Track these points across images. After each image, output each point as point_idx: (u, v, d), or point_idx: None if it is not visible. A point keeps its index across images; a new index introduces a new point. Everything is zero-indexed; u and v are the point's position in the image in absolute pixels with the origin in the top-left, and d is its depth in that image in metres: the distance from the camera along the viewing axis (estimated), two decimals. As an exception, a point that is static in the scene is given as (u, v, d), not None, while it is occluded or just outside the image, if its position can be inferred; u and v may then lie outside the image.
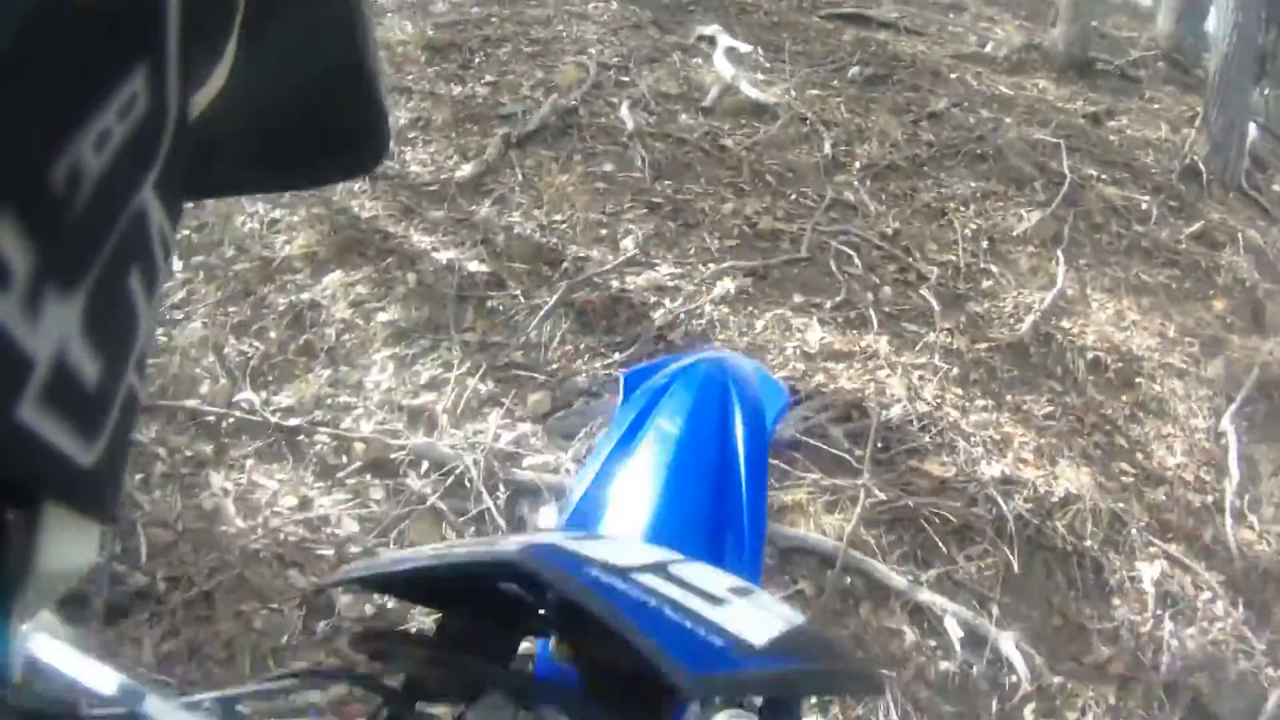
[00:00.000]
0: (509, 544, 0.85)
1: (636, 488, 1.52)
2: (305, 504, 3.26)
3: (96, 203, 0.39)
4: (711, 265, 4.64)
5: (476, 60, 6.60)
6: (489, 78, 6.28)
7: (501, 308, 4.10)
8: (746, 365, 1.90)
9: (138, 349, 0.46)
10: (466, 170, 5.07)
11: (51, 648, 0.80)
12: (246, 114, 0.58)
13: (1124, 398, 4.78)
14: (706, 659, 0.73)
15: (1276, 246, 7.15)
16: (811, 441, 3.78)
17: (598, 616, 0.73)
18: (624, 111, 5.86)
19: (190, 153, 0.48)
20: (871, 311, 4.66)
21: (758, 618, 0.83)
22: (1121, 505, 4.01)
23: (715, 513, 1.52)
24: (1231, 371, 5.22)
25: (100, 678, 0.77)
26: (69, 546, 0.43)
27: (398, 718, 0.86)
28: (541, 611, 0.96)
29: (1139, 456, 4.44)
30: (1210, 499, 4.35)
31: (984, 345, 4.71)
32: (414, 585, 1.12)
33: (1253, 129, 8.96)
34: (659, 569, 0.85)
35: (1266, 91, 13.41)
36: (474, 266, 4.26)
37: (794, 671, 0.85)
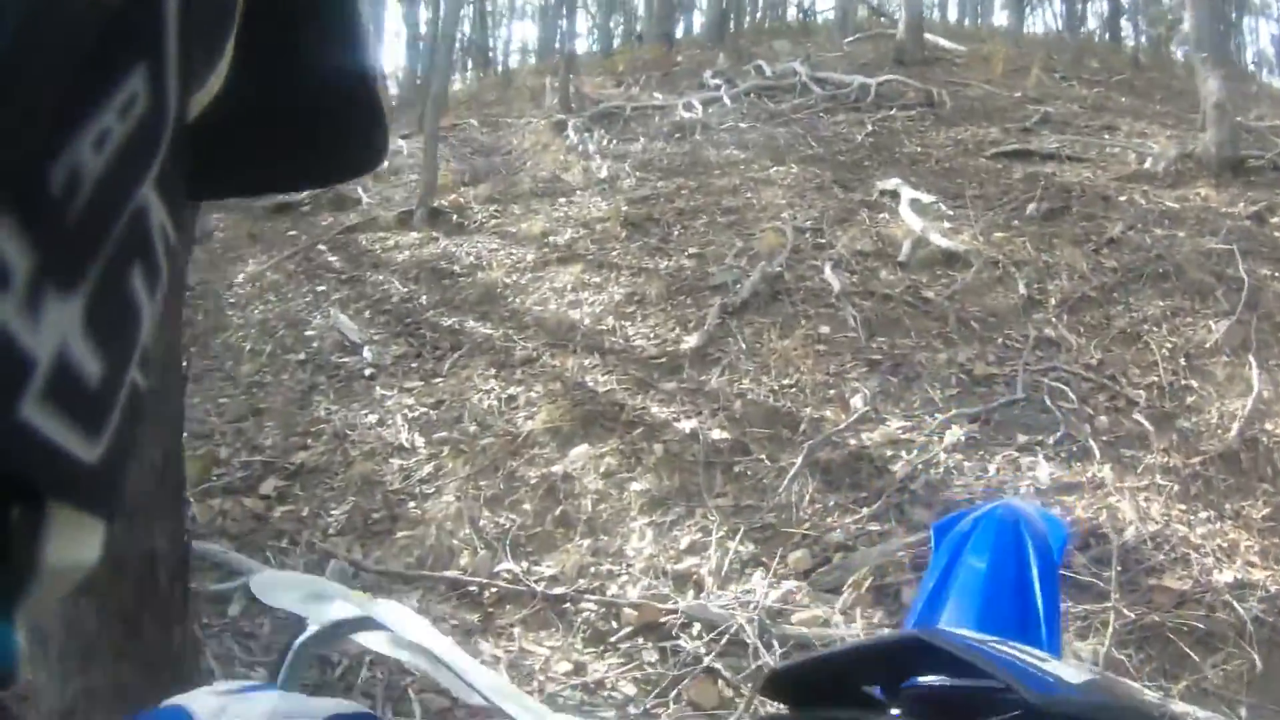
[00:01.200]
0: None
1: (953, 619, 1.79)
2: (579, 669, 3.42)
3: (96, 202, 0.40)
4: (938, 415, 4.82)
5: (675, 232, 7.04)
6: (692, 249, 6.68)
7: (749, 472, 4.30)
8: (1030, 506, 2.19)
9: (141, 347, 0.48)
10: (691, 341, 5.39)
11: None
12: (247, 114, 0.60)
13: None
14: (1045, 689, 0.91)
15: None
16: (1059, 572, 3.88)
17: (960, 656, 0.91)
18: (828, 273, 6.15)
19: (191, 152, 0.50)
20: (1091, 442, 4.78)
21: (1073, 673, 1.05)
22: None
23: (1019, 632, 1.77)
24: None
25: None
26: (73, 545, 0.44)
27: None
28: (895, 711, 1.08)
29: None
30: None
31: (1197, 459, 4.77)
32: (800, 689, 1.18)
33: None
34: (1006, 643, 1.08)
35: None
36: (716, 434, 4.49)
37: (1104, 706, 1.02)
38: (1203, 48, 11.60)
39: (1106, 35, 28.37)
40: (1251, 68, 35.34)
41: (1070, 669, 1.11)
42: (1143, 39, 26.78)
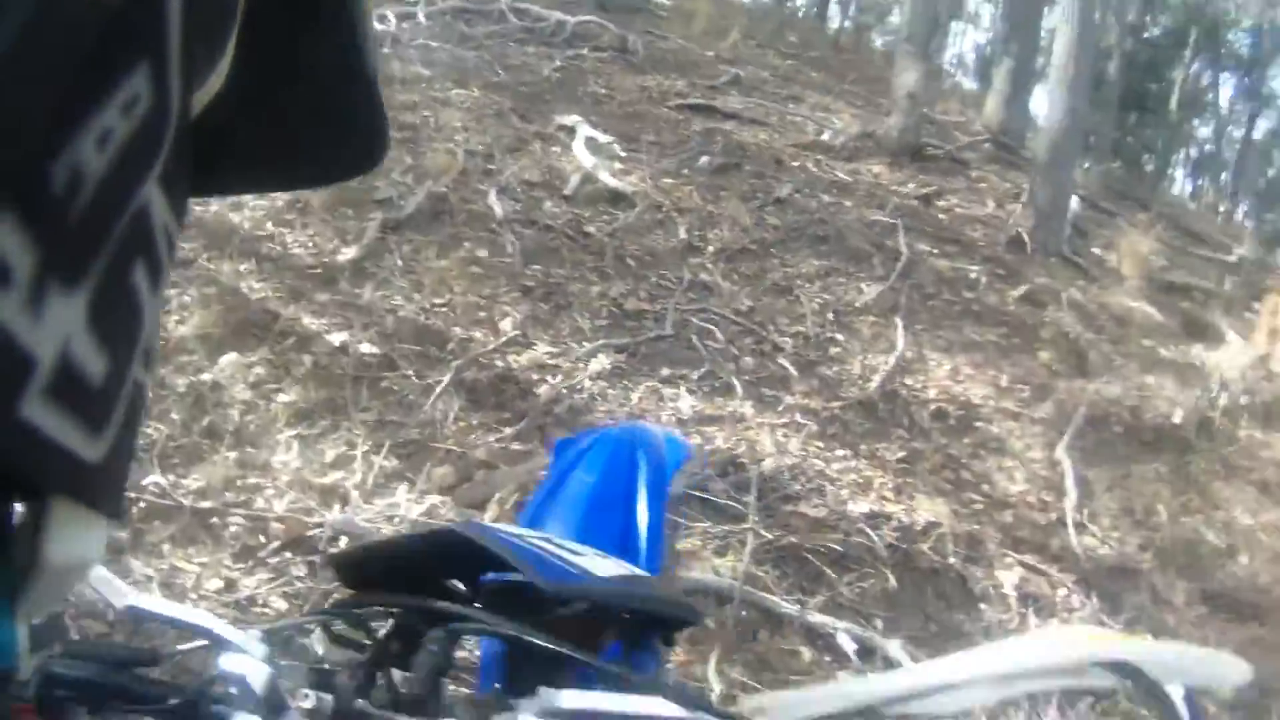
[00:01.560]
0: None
1: (556, 528, 1.93)
2: (230, 585, 3.40)
3: (99, 200, 0.41)
4: (585, 344, 5.02)
5: None
6: None
7: (396, 388, 4.35)
8: (654, 430, 2.35)
9: (143, 343, 0.48)
10: (349, 254, 5.35)
11: (148, 598, 0.94)
12: (248, 113, 0.62)
13: (966, 440, 5.36)
14: (564, 578, 1.07)
15: (1096, 302, 7.94)
16: (698, 494, 4.16)
17: (493, 551, 1.03)
18: (492, 198, 6.24)
19: (193, 150, 0.51)
20: (734, 379, 5.14)
21: (611, 567, 1.19)
22: (976, 527, 4.55)
23: (621, 543, 1.92)
24: (1061, 410, 5.87)
25: (190, 616, 0.92)
26: (76, 541, 0.45)
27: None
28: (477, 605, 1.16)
29: (985, 487, 5.00)
30: (1054, 516, 4.92)
31: (837, 404, 5.23)
32: (368, 580, 1.24)
33: (1074, 201, 9.90)
34: (550, 540, 1.20)
35: (1088, 166, 14.73)
36: (366, 349, 4.50)
37: (625, 592, 1.17)
38: (912, 41, 12.36)
39: (815, 13, 29.70)
40: (949, 68, 38.11)
41: (609, 565, 1.22)
42: (848, 24, 28.26)
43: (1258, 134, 40.73)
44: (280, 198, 5.80)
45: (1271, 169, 40.13)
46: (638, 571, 1.29)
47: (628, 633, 1.23)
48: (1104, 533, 4.92)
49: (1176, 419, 6.50)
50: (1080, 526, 4.91)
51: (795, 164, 9.06)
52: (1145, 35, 25.24)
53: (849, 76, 15.00)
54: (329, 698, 0.94)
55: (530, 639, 1.00)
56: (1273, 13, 31.11)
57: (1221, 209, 37.43)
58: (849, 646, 3.62)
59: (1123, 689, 0.96)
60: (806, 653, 3.60)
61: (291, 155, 0.72)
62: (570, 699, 0.88)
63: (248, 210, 5.61)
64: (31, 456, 0.39)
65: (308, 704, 0.94)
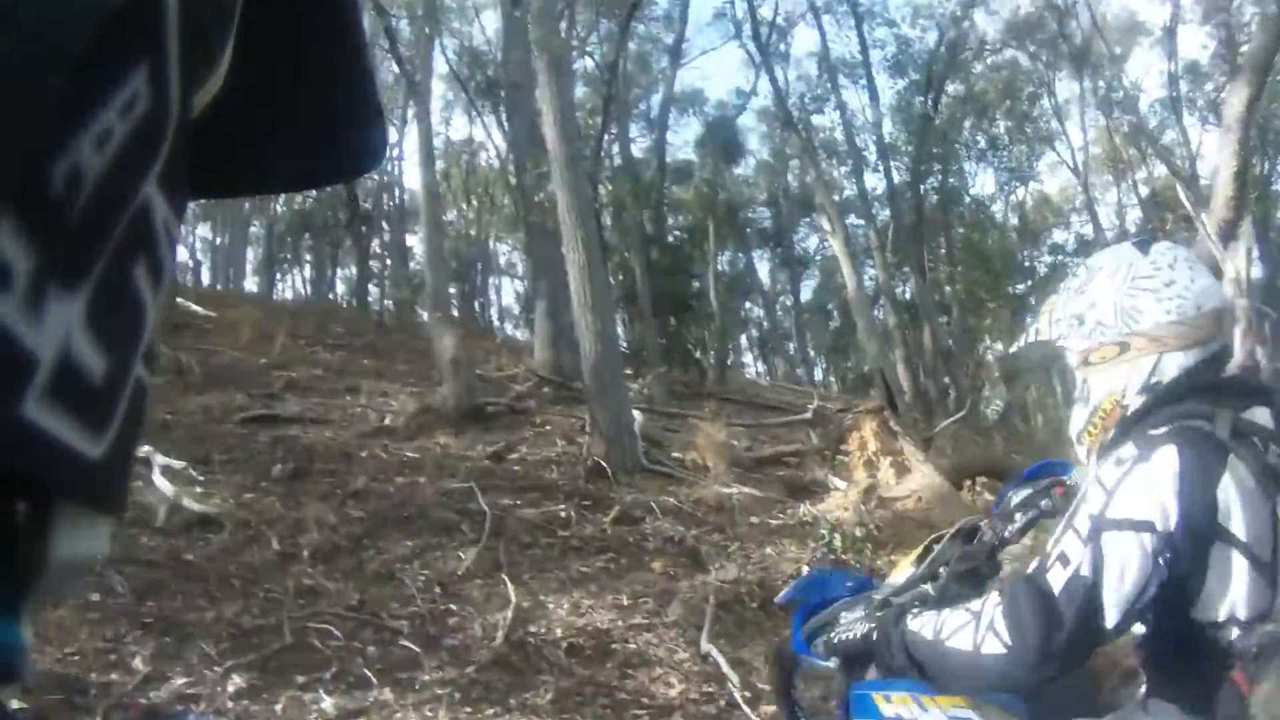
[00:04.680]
0: None
1: None
2: None
3: (98, 200, 0.43)
4: (216, 668, 5.22)
5: None
6: None
7: None
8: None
9: (145, 341, 0.50)
10: None
11: None
12: (247, 113, 0.64)
13: (609, 664, 5.93)
14: None
15: (691, 500, 8.92)
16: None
17: None
18: (86, 542, 6.28)
19: (193, 150, 0.53)
20: (366, 671, 5.45)
21: None
22: None
23: None
24: (691, 608, 6.62)
25: None
26: (79, 539, 0.46)
27: None
28: None
29: (646, 700, 5.59)
30: (722, 702, 5.56)
31: (471, 668, 5.66)
32: None
33: (638, 415, 10.79)
34: None
35: (648, 379, 15.82)
36: (15, 705, 4.53)
37: None
38: (439, 307, 13.13)
39: (354, 301, 30.36)
40: (496, 323, 39.73)
41: None
42: (388, 303, 29.09)
43: (805, 295, 44.67)
44: None
45: (833, 322, 44.00)
46: None
47: None
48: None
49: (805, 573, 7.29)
50: (752, 702, 5.52)
51: (364, 454, 9.55)
52: (669, 240, 27.29)
53: (399, 356, 15.71)
54: None
55: None
56: (782, 180, 35.08)
57: (799, 373, 40.72)
58: None
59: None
60: None
61: (291, 156, 0.74)
62: None
63: None
64: (34, 456, 0.40)
65: None
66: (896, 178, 30.96)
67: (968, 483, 11.24)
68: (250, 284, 38.54)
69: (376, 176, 36.68)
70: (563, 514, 8.33)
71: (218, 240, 42.68)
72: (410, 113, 30.04)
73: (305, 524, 7.37)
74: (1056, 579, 1.94)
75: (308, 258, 40.08)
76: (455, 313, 16.81)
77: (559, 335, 14.84)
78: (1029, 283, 34.85)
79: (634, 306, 22.12)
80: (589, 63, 25.27)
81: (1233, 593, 1.90)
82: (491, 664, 5.77)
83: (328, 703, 5.13)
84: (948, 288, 33.00)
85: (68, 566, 0.46)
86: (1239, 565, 1.89)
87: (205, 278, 39.44)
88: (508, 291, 47.96)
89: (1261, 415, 2.03)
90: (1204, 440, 1.93)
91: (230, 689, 5.11)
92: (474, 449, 10.21)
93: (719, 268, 30.82)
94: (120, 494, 0.50)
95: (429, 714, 5.15)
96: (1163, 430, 1.98)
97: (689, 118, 36.64)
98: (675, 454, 10.82)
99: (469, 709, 5.28)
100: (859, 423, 11.01)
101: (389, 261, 32.31)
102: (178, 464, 8.01)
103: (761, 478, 10.35)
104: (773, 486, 10.05)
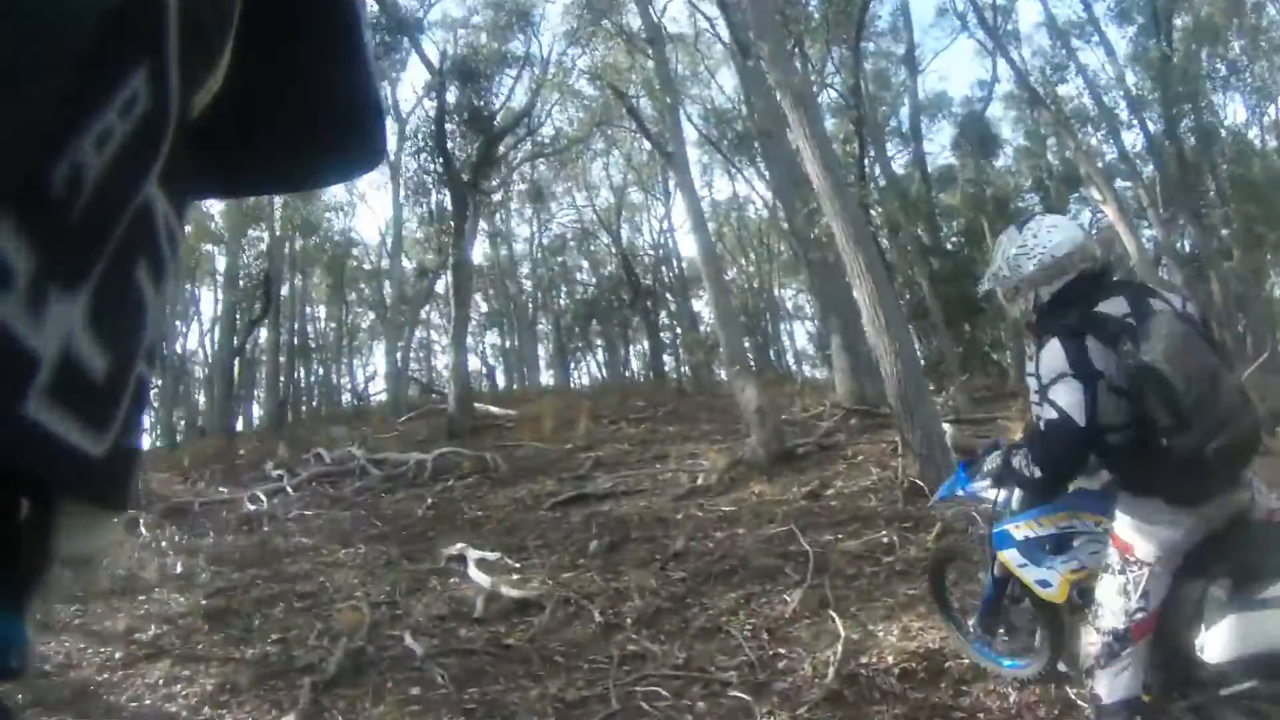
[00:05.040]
0: None
1: None
2: None
3: (99, 200, 0.42)
4: None
5: (256, 621, 7.22)
6: (274, 634, 6.86)
7: None
8: None
9: (147, 340, 0.50)
10: None
11: None
12: (247, 114, 0.64)
13: (942, 684, 5.52)
14: None
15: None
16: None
17: None
18: (408, 640, 6.45)
19: (194, 149, 0.52)
20: None
21: None
22: None
23: None
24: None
25: None
26: (83, 537, 0.46)
27: None
28: None
29: (981, 715, 5.19)
30: (1057, 710, 5.01)
31: (804, 709, 5.36)
32: None
33: (948, 429, 10.38)
34: None
35: (951, 390, 15.39)
36: None
37: None
38: (735, 361, 13.15)
39: (650, 373, 31.19)
40: (793, 367, 39.98)
41: None
42: (684, 369, 29.79)
43: None
44: (209, 682, 6.02)
45: None
46: None
47: None
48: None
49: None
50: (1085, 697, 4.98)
51: (680, 516, 9.52)
52: (947, 247, 26.97)
53: (701, 418, 15.76)
54: None
55: None
56: (1042, 160, 33.94)
57: None
58: None
59: None
60: None
61: (291, 156, 0.75)
62: None
63: (180, 699, 5.80)
64: (36, 454, 0.40)
65: None
66: (1152, 128, 29.43)
67: (1277, 429, 10.30)
68: (546, 378, 40.06)
69: (651, 251, 37.75)
70: (885, 540, 7.97)
71: (507, 344, 44.73)
72: (671, 184, 30.98)
73: (626, 593, 7.32)
74: (1043, 424, 3.56)
75: (598, 343, 41.35)
76: (752, 364, 16.82)
77: (858, 364, 14.74)
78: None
79: (925, 320, 21.90)
80: (831, 94, 25.13)
81: (1108, 410, 3.48)
82: (823, 701, 5.46)
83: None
84: (1224, 230, 30.83)
85: (70, 564, 0.46)
86: (1104, 388, 3.47)
87: (500, 380, 41.28)
88: (800, 334, 48.37)
89: (1118, 304, 3.60)
90: (1067, 331, 3.54)
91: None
92: (789, 492, 10.05)
93: None
94: (122, 492, 0.49)
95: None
96: (1051, 330, 3.62)
97: (939, 122, 36.64)
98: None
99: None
100: None
101: (678, 330, 32.98)
102: (492, 555, 8.15)
103: None
104: None
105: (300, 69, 0.68)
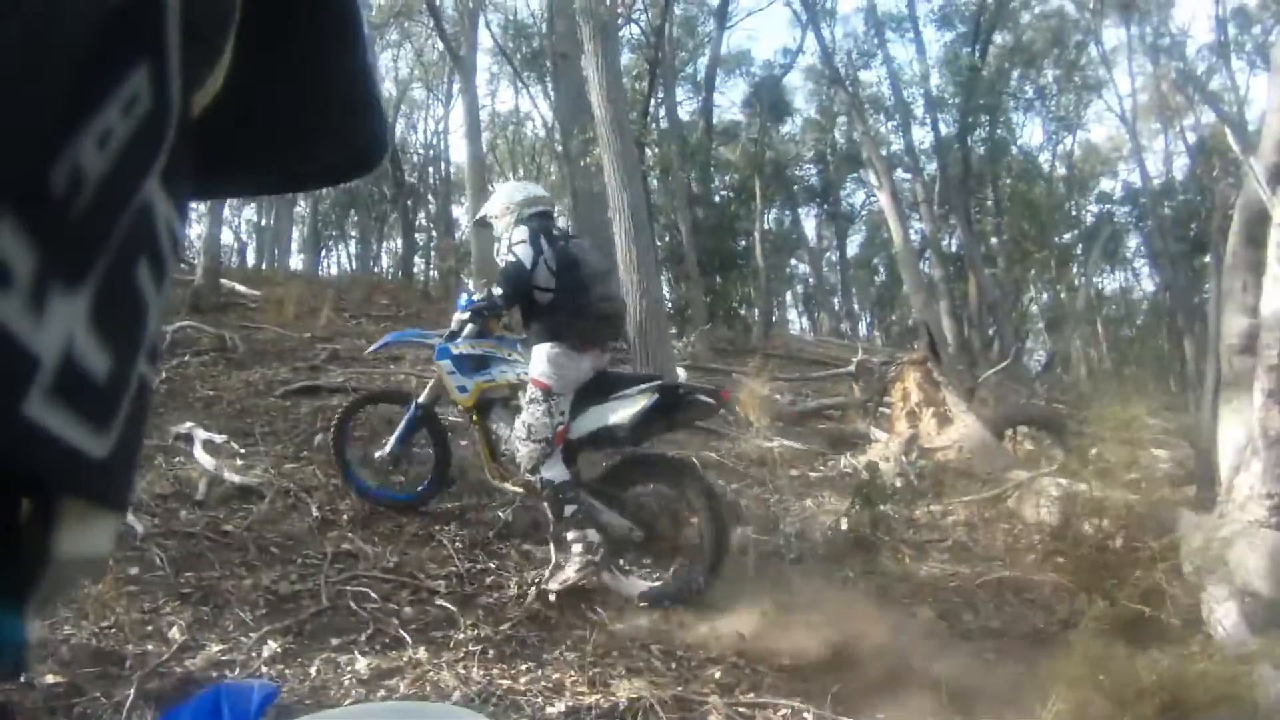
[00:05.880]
0: None
1: None
2: None
3: (100, 200, 0.43)
4: (252, 634, 5.35)
5: None
6: None
7: (88, 711, 4.52)
8: (244, 683, 2.88)
9: (148, 339, 0.51)
10: None
11: None
12: (248, 113, 0.65)
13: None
14: None
15: (732, 456, 9.18)
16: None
17: None
18: (130, 518, 6.43)
19: (194, 149, 0.53)
20: (402, 631, 5.56)
21: None
22: (679, 689, 5.22)
23: None
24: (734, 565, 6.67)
25: None
26: (84, 538, 0.47)
27: None
28: None
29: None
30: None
31: (507, 624, 5.78)
32: None
33: (682, 373, 10.83)
34: None
35: (693, 337, 15.93)
36: (50, 680, 4.66)
37: None
38: (483, 273, 13.12)
39: (399, 273, 30.63)
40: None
41: None
42: (433, 274, 29.41)
43: (851, 250, 44.55)
44: None
45: (879, 277, 43.89)
46: None
47: None
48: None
49: (844, 526, 7.53)
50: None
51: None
52: (715, 199, 27.58)
53: (444, 324, 15.80)
54: None
55: None
56: (829, 137, 35.06)
57: (844, 328, 40.80)
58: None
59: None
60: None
61: (292, 156, 0.75)
62: None
63: None
64: (38, 455, 0.41)
65: None
66: (944, 130, 31.07)
67: (1009, 432, 11.24)
68: (296, 262, 38.97)
69: (422, 151, 37.07)
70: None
71: (263, 221, 43.18)
72: (455, 87, 30.46)
73: (344, 490, 7.45)
74: (505, 264, 6.15)
75: (353, 234, 40.50)
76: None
77: None
78: (1075, 231, 34.67)
79: (680, 267, 22.31)
80: (635, 30, 25.22)
81: (542, 276, 6.09)
82: (527, 619, 5.90)
83: (361, 663, 5.21)
84: (993, 239, 32.91)
85: (72, 564, 0.46)
86: (542, 261, 6.08)
87: (250, 258, 39.86)
88: (553, 260, 48.38)
89: (561, 227, 6.45)
90: (531, 225, 6.19)
91: (265, 653, 5.21)
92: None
93: (765, 225, 31.10)
94: (124, 491, 0.51)
95: (462, 671, 5.22)
96: (522, 223, 6.23)
97: (736, 79, 37.09)
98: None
99: (503, 665, 5.36)
100: (902, 374, 11.05)
101: (434, 234, 32.57)
102: (219, 438, 8.14)
103: (803, 432, 10.33)
104: (814, 439, 10.05)
105: (300, 68, 0.68)
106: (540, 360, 6.12)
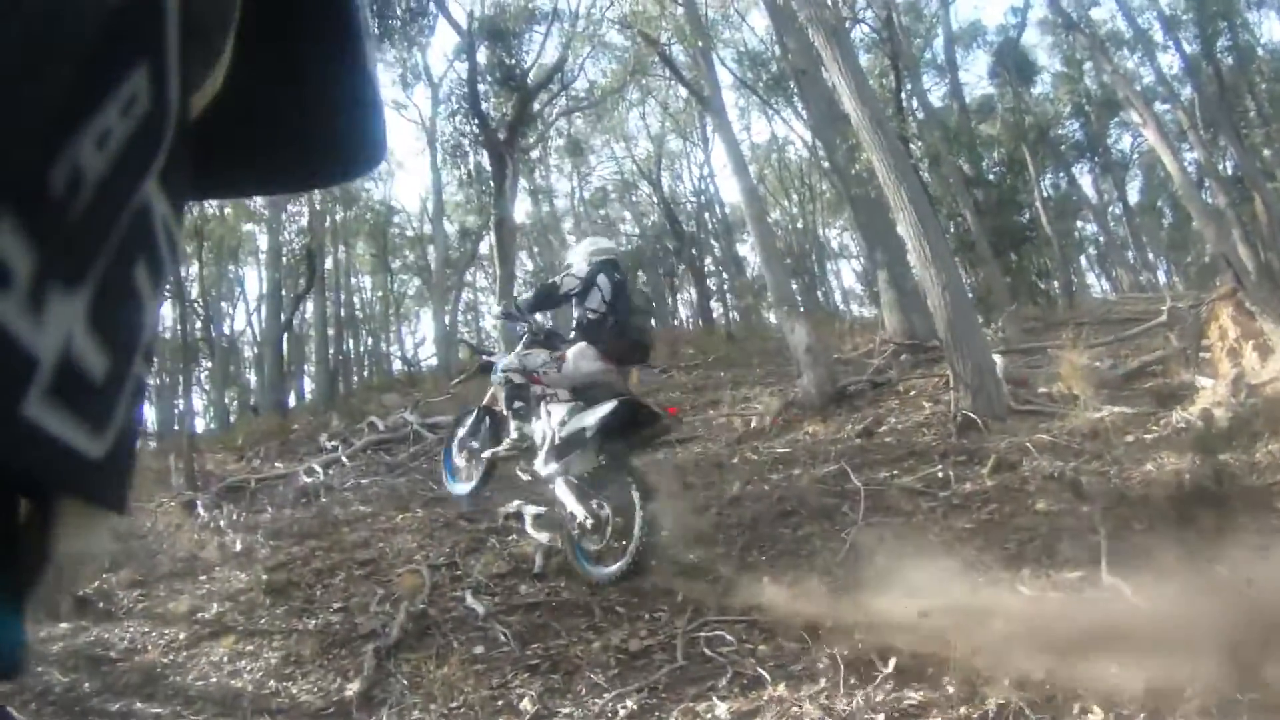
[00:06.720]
0: None
1: None
2: None
3: (98, 200, 0.43)
4: (606, 695, 5.13)
5: (317, 592, 7.34)
6: (336, 604, 6.98)
7: None
8: None
9: (145, 340, 0.50)
10: (354, 687, 5.53)
11: None
12: (248, 114, 0.64)
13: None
14: None
15: (1065, 432, 8.38)
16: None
17: None
18: (469, 600, 6.55)
19: (193, 150, 0.53)
20: (760, 670, 5.21)
21: None
22: None
23: None
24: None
25: None
26: (82, 536, 0.46)
27: None
28: None
29: None
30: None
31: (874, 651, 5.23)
32: None
33: (998, 360, 10.34)
34: None
35: (1000, 321, 15.33)
36: None
37: None
38: (783, 302, 13.14)
39: (698, 320, 31.23)
40: (841, 306, 39.95)
41: None
42: (732, 314, 29.85)
43: (1133, 198, 42.44)
44: (273, 655, 6.15)
45: (1165, 219, 41.67)
46: None
47: None
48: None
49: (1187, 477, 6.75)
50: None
51: (735, 460, 9.56)
52: (989, 178, 26.68)
53: (754, 360, 15.73)
54: None
55: None
56: (1080, 85, 33.68)
57: (1144, 280, 38.69)
58: None
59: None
60: None
61: (292, 157, 0.75)
62: None
63: (246, 674, 5.97)
64: (36, 455, 0.41)
65: None
66: (1187, 49, 29.09)
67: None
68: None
69: (694, 198, 37.63)
70: (940, 475, 7.92)
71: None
72: (709, 129, 30.88)
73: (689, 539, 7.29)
74: (541, 283, 8.26)
75: (646, 291, 41.39)
76: (800, 305, 16.84)
77: (905, 300, 14.79)
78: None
79: (972, 252, 21.55)
80: (864, 29, 24.86)
81: (595, 300, 7.43)
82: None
83: (721, 708, 4.92)
84: (1265, 151, 30.32)
85: (70, 564, 0.52)
86: (595, 292, 7.44)
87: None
88: (846, 273, 48.30)
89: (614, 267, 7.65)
90: (590, 268, 7.52)
91: (622, 714, 5.00)
92: (843, 431, 10.05)
93: (1044, 192, 30.45)
94: (121, 491, 0.49)
95: (825, 702, 4.81)
96: (582, 265, 7.63)
97: (974, 51, 36.52)
98: (1041, 389, 10.27)
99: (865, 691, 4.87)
100: (1214, 312, 10.04)
101: (725, 275, 32.91)
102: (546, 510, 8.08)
103: (1129, 395, 9.59)
104: (1142, 400, 9.32)
105: (300, 68, 0.68)
106: (561, 356, 7.45)
